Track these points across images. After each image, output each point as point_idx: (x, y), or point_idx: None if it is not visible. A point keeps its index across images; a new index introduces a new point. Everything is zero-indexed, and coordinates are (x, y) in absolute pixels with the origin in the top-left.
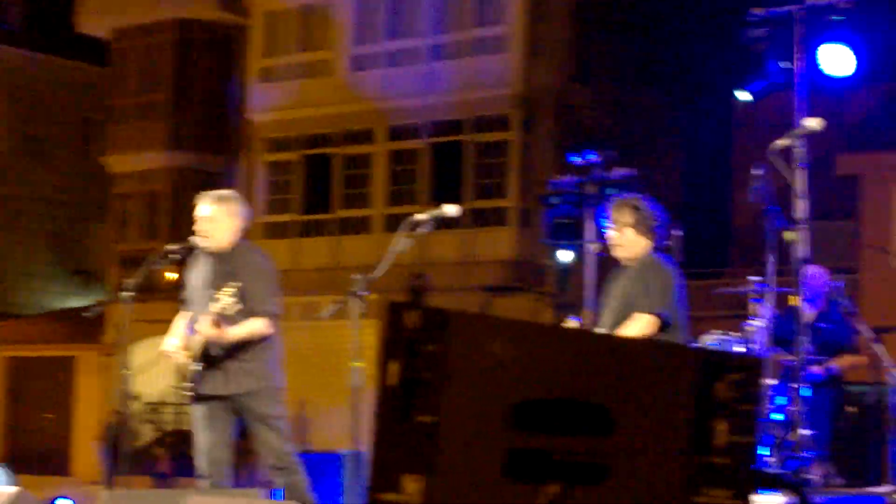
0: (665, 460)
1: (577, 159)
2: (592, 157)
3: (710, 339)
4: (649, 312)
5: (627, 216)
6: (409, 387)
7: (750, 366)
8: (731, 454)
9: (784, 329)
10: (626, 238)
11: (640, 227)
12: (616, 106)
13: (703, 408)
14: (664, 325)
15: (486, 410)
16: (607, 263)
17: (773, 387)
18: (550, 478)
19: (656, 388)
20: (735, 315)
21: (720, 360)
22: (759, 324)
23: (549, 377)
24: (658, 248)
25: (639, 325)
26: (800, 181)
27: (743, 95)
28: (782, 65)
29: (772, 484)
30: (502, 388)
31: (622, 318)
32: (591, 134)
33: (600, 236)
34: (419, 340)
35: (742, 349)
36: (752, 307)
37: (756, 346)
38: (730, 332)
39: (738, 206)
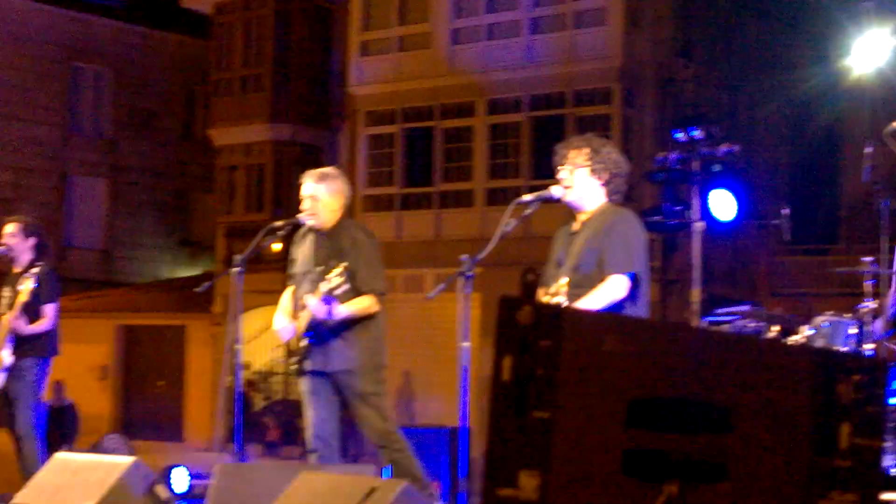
0: (786, 461)
1: (681, 135)
2: (696, 133)
3: (823, 321)
4: (622, 272)
5: (584, 156)
6: (522, 382)
7: (874, 367)
8: (855, 457)
9: None
10: (577, 179)
11: (597, 169)
12: (720, 81)
13: (826, 409)
14: (635, 287)
15: (602, 407)
16: (711, 238)
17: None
18: (668, 477)
19: (777, 389)
20: (845, 294)
21: (843, 361)
22: (873, 305)
23: (665, 375)
24: (617, 202)
25: (610, 288)
26: None
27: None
28: None
29: None
30: (617, 386)
31: (584, 278)
32: (694, 109)
33: (706, 212)
34: (532, 336)
35: (855, 330)
36: (867, 288)
37: (870, 328)
38: (843, 314)
39: (847, 183)
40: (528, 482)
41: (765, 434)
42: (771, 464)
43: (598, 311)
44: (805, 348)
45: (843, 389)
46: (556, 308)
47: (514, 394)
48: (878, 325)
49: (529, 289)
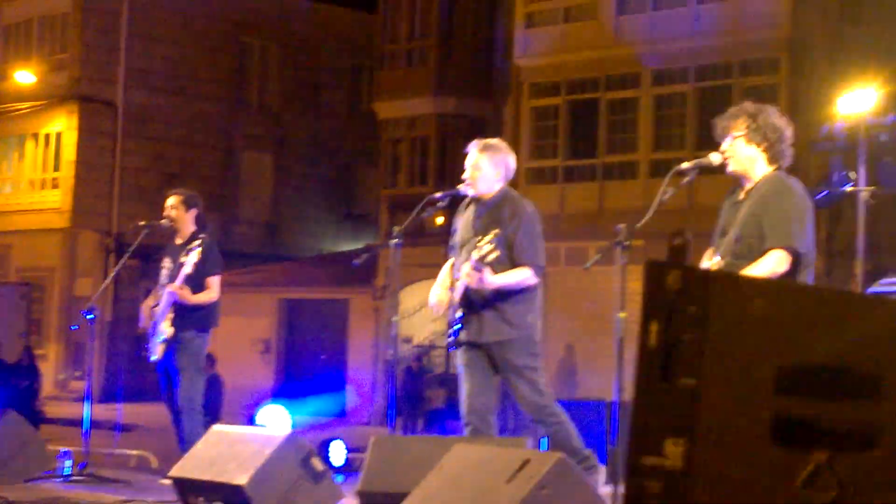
0: None
1: (848, 104)
2: (864, 103)
3: None
4: (783, 246)
5: (740, 125)
6: (669, 348)
7: None
8: None
9: None
10: (736, 149)
11: (755, 138)
12: (890, 48)
13: None
14: (797, 260)
15: (750, 374)
16: (879, 209)
17: None
18: (817, 445)
19: None
20: None
21: None
22: None
23: (815, 340)
24: (785, 166)
25: (771, 262)
26: None
27: None
28: None
29: None
30: (766, 352)
31: (746, 249)
32: (862, 78)
33: (872, 182)
34: (680, 301)
35: None
36: None
37: None
38: None
39: None
40: (674, 450)
41: None
42: None
43: (746, 276)
44: None
45: None
46: (705, 273)
47: (660, 360)
48: None
49: (678, 253)
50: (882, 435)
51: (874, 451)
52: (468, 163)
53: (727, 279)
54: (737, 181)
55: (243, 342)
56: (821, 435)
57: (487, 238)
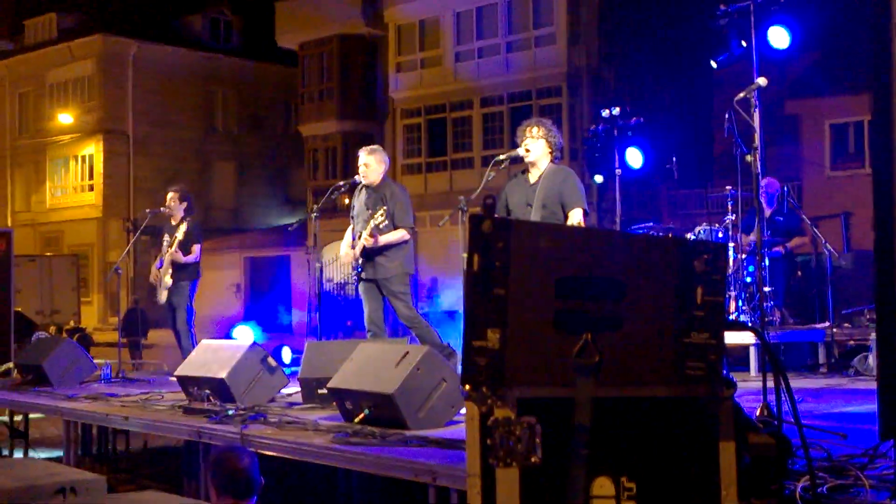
0: (662, 314)
1: (606, 113)
2: (616, 112)
3: (700, 229)
4: (581, 207)
5: (542, 132)
6: (487, 271)
7: (716, 248)
8: (706, 309)
9: (751, 221)
10: (536, 147)
11: (550, 142)
12: (633, 75)
13: (686, 278)
14: (585, 214)
15: (539, 284)
16: (628, 180)
17: (745, 259)
18: (583, 328)
19: (654, 267)
20: (716, 213)
21: (696, 246)
22: (732, 218)
23: (580, 260)
24: (557, 162)
25: (579, 215)
26: (756, 120)
27: (713, 64)
28: (743, 43)
29: (738, 328)
30: (548, 269)
31: (549, 213)
32: (614, 95)
33: (623, 164)
34: (491, 239)
35: (721, 234)
36: (729, 208)
37: (731, 233)
38: (715, 224)
39: (717, 138)
40: (493, 336)
41: (647, 297)
42: (651, 316)
43: (532, 222)
44: (672, 240)
45: (697, 264)
46: (506, 220)
47: (481, 278)
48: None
49: (489, 209)
50: (623, 321)
51: (619, 331)
52: (361, 162)
53: (521, 224)
54: (524, 168)
55: (220, 286)
56: (585, 322)
57: (379, 212)
